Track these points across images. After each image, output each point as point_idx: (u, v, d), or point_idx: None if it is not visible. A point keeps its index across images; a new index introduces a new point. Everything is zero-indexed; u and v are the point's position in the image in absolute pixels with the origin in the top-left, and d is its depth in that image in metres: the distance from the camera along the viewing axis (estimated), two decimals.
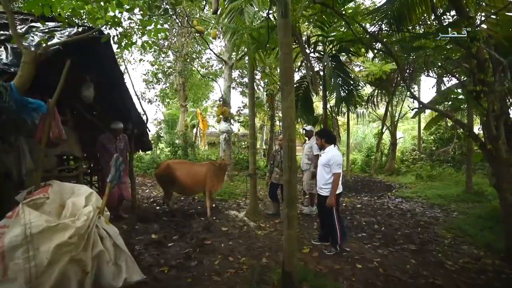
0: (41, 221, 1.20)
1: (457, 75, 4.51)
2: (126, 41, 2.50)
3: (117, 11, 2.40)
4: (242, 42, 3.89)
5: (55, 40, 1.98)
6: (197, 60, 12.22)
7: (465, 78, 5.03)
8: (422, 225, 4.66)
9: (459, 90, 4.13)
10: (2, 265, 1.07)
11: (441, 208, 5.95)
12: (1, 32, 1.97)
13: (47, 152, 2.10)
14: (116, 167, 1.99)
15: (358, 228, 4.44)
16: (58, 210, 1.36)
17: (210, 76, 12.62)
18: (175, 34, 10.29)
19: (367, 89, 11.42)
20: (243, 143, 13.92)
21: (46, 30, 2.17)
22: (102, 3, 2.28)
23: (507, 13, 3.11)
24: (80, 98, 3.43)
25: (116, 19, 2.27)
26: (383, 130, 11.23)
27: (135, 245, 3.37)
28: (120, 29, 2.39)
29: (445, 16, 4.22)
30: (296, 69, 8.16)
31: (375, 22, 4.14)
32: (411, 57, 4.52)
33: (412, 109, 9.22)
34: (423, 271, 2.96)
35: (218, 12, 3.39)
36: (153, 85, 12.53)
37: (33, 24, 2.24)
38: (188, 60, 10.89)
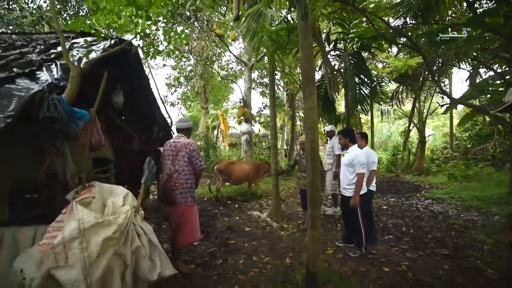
0: (91, 217, 1.36)
1: (494, 66, 4.13)
2: (153, 50, 2.67)
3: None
4: (261, 44, 3.95)
5: (93, 54, 2.18)
6: (217, 62, 12.50)
7: (506, 69, 4.61)
8: (457, 229, 4.35)
9: (498, 82, 3.79)
10: (64, 253, 1.24)
11: (478, 211, 5.49)
12: (52, 50, 2.23)
13: (83, 154, 2.29)
14: (149, 169, 2.16)
15: (384, 230, 4.28)
16: (101, 208, 1.53)
17: (230, 78, 12.84)
18: (195, 38, 10.61)
19: (392, 86, 10.91)
20: (264, 144, 13.98)
21: (85, 45, 2.40)
22: (133, 17, 2.44)
23: None
24: (111, 105, 3.69)
25: (144, 31, 2.43)
26: (410, 128, 10.65)
27: (162, 243, 3.54)
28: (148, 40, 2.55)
29: (478, 2, 3.91)
30: (317, 68, 8.06)
31: (399, 15, 3.96)
32: (440, 51, 4.25)
33: (442, 105, 8.64)
34: (458, 278, 2.78)
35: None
36: (175, 89, 13.01)
37: (74, 40, 2.50)
38: (209, 63, 11.18)
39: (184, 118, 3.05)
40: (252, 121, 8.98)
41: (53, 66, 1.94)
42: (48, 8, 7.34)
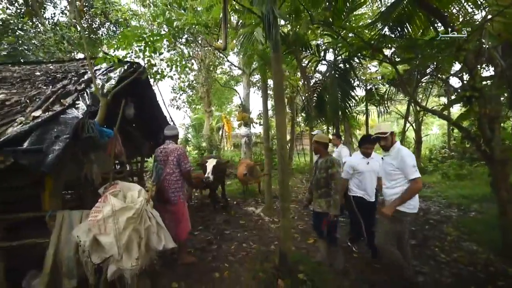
0: (119, 204, 2.02)
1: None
2: (159, 76, 3.30)
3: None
4: (251, 60, 4.55)
5: (112, 81, 2.83)
6: (220, 67, 13.10)
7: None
8: (432, 223, 4.78)
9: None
10: (104, 225, 1.88)
11: (459, 208, 5.88)
12: (81, 79, 2.90)
13: (109, 161, 2.93)
14: (156, 171, 2.81)
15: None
16: (123, 199, 2.17)
17: (231, 82, 13.42)
18: (197, 46, 11.20)
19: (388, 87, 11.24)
20: None
21: (105, 72, 3.05)
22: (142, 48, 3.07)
23: None
24: (124, 116, 4.36)
25: (150, 61, 3.06)
26: (406, 128, 10.99)
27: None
28: (155, 68, 3.18)
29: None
30: (311, 74, 8.59)
31: (375, 32, 4.43)
32: (414, 63, 4.71)
33: (441, 105, 8.96)
34: (414, 262, 3.28)
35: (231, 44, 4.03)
36: (180, 95, 13.73)
37: (95, 68, 3.15)
38: (212, 69, 11.78)
39: (171, 126, 3.35)
40: (252, 124, 9.57)
41: (85, 94, 2.59)
42: (66, 25, 8.13)
